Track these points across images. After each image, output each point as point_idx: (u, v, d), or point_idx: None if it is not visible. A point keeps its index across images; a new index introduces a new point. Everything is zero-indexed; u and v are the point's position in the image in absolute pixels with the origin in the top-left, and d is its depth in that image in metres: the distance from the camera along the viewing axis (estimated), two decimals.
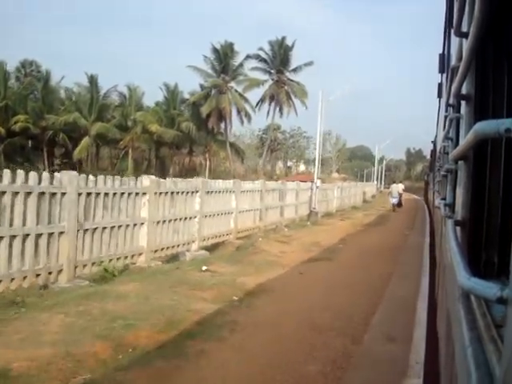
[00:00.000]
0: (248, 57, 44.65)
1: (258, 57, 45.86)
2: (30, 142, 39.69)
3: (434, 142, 10.83)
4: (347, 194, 26.44)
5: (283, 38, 45.51)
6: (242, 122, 45.32)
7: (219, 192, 10.33)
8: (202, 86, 44.56)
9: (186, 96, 45.57)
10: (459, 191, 1.60)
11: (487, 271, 1.22)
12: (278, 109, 46.54)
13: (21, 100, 38.32)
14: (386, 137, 52.96)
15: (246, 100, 44.90)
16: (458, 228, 1.46)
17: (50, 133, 37.90)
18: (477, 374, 0.73)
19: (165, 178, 9.18)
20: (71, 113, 38.53)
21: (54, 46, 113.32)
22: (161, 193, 8.20)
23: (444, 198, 2.71)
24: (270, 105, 46.75)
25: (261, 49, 45.90)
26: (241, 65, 44.24)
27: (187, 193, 9.05)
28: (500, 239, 1.20)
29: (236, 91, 44.38)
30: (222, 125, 44.72)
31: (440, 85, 6.18)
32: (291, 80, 46.35)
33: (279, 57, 45.36)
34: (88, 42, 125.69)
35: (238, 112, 44.18)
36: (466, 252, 1.24)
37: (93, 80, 40.39)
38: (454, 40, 2.24)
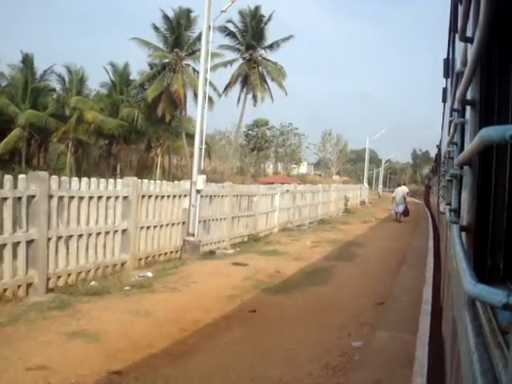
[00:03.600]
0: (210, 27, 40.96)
1: (224, 30, 42.71)
2: None
3: (439, 146, 11.32)
4: (308, 202, 20.75)
5: (257, 8, 42.61)
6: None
7: None
8: (151, 65, 41.50)
9: (137, 77, 42.19)
10: (464, 196, 1.76)
11: (493, 277, 1.36)
12: (251, 95, 43.72)
13: None
14: (390, 139, 52.76)
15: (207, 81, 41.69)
16: (464, 233, 1.61)
17: None
18: (482, 381, 0.82)
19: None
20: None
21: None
22: None
23: (449, 204, 2.96)
24: (241, 90, 44.19)
25: (229, 21, 42.49)
26: (200, 38, 40.90)
27: None
28: (506, 245, 1.34)
29: (194, 70, 39.83)
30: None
31: (445, 89, 6.61)
32: (266, 59, 43.84)
33: (251, 30, 42.39)
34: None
35: (195, 96, 41.01)
36: (471, 258, 1.39)
37: (27, 60, 38.39)
38: (459, 45, 2.38)
